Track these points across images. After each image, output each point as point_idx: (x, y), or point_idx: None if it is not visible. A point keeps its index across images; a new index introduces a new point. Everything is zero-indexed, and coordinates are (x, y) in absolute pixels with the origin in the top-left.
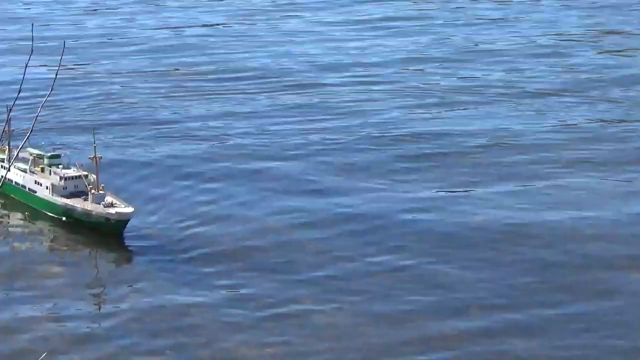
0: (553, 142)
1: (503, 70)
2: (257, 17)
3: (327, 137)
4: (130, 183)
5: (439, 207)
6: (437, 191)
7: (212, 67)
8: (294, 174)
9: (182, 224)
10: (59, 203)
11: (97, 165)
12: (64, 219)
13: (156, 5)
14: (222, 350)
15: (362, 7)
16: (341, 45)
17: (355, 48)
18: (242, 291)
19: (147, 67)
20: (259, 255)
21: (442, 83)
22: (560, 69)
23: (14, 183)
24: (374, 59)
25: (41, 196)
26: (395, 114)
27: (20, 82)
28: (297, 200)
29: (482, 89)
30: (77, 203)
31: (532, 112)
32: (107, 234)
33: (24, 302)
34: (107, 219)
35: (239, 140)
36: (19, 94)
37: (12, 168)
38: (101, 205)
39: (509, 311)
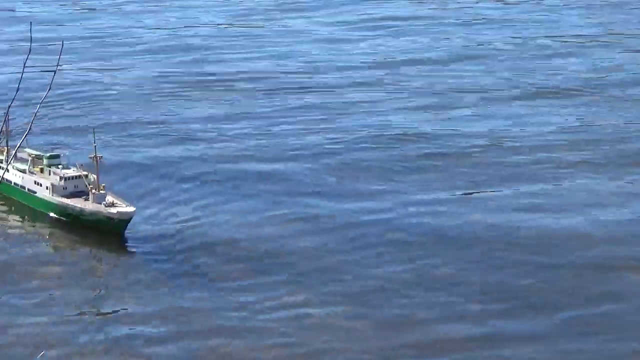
0: (554, 143)
1: (503, 70)
2: (256, 17)
3: (328, 137)
4: (129, 184)
5: (440, 209)
6: (439, 193)
7: (212, 68)
8: (295, 176)
9: (182, 225)
10: (59, 203)
11: (97, 165)
12: (62, 218)
13: (157, 5)
14: (224, 353)
15: (360, 6)
16: (341, 46)
17: (356, 48)
18: (243, 293)
19: (147, 67)
20: (258, 256)
21: (443, 83)
22: (562, 70)
23: (13, 184)
24: (374, 59)
25: (41, 196)
26: (395, 114)
27: (19, 81)
28: (299, 202)
29: (481, 89)
30: (78, 203)
31: (533, 113)
32: (109, 233)
33: (24, 302)
34: (109, 218)
35: (239, 142)
36: (16, 93)
37: (11, 169)
38: (102, 205)
39: (512, 314)
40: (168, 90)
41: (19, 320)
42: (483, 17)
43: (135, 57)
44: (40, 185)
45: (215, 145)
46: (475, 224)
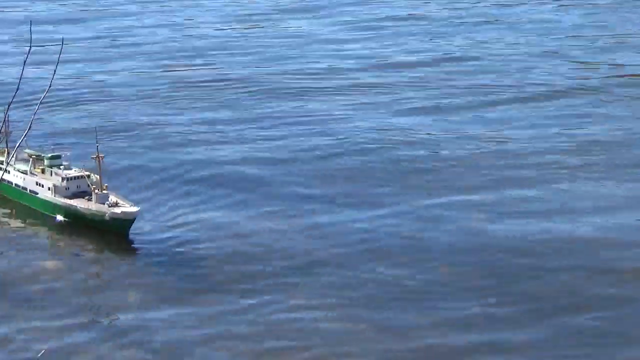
0: (555, 146)
1: (503, 72)
2: (257, 19)
3: (331, 141)
4: (131, 185)
5: (440, 213)
6: (439, 197)
7: (211, 72)
8: (298, 180)
9: (185, 227)
10: (62, 204)
11: (99, 165)
12: (63, 219)
13: (161, 5)
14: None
15: (359, 7)
16: (340, 47)
17: (354, 49)
18: (245, 296)
19: (147, 69)
20: (260, 259)
21: (441, 86)
22: (562, 71)
23: (14, 185)
24: (364, 63)
25: (43, 197)
26: (391, 118)
27: (18, 81)
28: (302, 206)
29: (480, 91)
30: (81, 203)
31: (533, 115)
32: (113, 233)
33: (24, 302)
34: (113, 219)
35: (242, 144)
36: (16, 92)
37: (11, 170)
38: (106, 205)
39: (513, 320)
40: (169, 92)
41: (20, 319)
42: (480, 17)
43: (136, 57)
44: (42, 186)
45: (217, 147)
46: (475, 228)
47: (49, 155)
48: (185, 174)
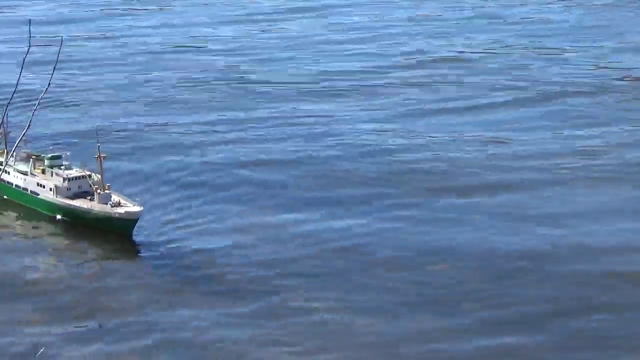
0: (555, 149)
1: (499, 74)
2: (256, 21)
3: (325, 146)
4: (132, 186)
5: (438, 216)
6: (436, 201)
7: (214, 73)
8: (300, 183)
9: (188, 229)
10: (64, 205)
11: (101, 165)
12: (62, 217)
13: (161, 9)
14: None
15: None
16: (331, 51)
17: (345, 53)
18: (246, 298)
19: (148, 68)
20: (261, 263)
21: (436, 89)
22: (560, 72)
23: (14, 186)
24: (349, 68)
25: (44, 198)
26: (369, 125)
27: (17, 79)
28: (304, 208)
29: (475, 93)
30: (84, 204)
31: (532, 118)
32: (116, 233)
33: (24, 301)
34: (116, 219)
35: (243, 147)
36: (14, 91)
37: (11, 170)
38: (109, 205)
39: (515, 325)
40: (169, 93)
41: (19, 318)
42: (483, 17)
43: (136, 58)
44: (43, 187)
45: (218, 148)
46: (476, 232)
47: (49, 155)
48: (186, 174)
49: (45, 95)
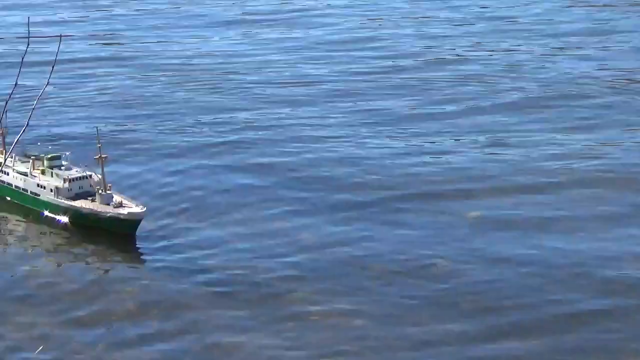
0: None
1: (496, 77)
2: (240, 26)
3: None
4: (133, 185)
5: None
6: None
7: (212, 74)
8: (297, 186)
9: (191, 228)
10: (66, 206)
11: (102, 165)
12: (67, 220)
13: (162, 6)
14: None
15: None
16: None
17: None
18: (250, 299)
19: (148, 69)
20: (265, 265)
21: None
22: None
23: (13, 187)
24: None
25: (45, 199)
26: (367, 128)
27: (16, 79)
28: (305, 212)
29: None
30: (86, 204)
31: (532, 121)
32: (119, 234)
33: (24, 301)
34: (119, 219)
35: (245, 149)
36: (13, 90)
37: (10, 171)
38: (111, 206)
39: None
40: (170, 93)
41: (19, 318)
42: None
43: (136, 58)
44: (44, 187)
45: (221, 149)
46: (472, 238)
47: (49, 155)
48: (186, 177)
49: (45, 96)
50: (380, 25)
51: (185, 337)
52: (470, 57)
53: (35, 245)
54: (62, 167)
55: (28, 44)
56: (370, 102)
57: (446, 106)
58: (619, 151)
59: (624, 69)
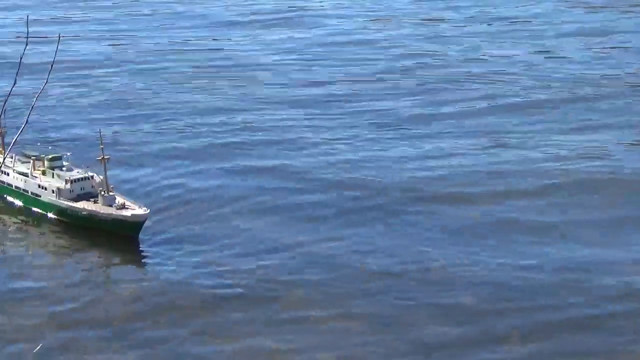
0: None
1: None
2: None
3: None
4: (134, 184)
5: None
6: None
7: (214, 77)
8: (307, 173)
9: (193, 229)
10: (68, 207)
11: (105, 167)
12: (64, 219)
13: (162, 7)
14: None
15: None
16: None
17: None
18: (251, 302)
19: (149, 69)
20: (268, 267)
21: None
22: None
23: (14, 187)
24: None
25: (46, 200)
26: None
27: (14, 78)
28: (307, 218)
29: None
30: (88, 206)
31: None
32: (122, 236)
33: (24, 301)
34: (122, 221)
35: (248, 151)
36: (12, 89)
37: (11, 172)
38: (114, 207)
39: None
40: (168, 90)
41: (19, 318)
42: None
43: (136, 54)
44: (45, 188)
45: (224, 150)
46: (467, 242)
47: (50, 156)
48: (189, 177)
49: (45, 97)
50: (384, 26)
51: (186, 339)
52: (471, 58)
53: (35, 247)
54: (64, 168)
55: (26, 44)
56: (371, 104)
57: (446, 108)
58: (622, 153)
59: (626, 71)
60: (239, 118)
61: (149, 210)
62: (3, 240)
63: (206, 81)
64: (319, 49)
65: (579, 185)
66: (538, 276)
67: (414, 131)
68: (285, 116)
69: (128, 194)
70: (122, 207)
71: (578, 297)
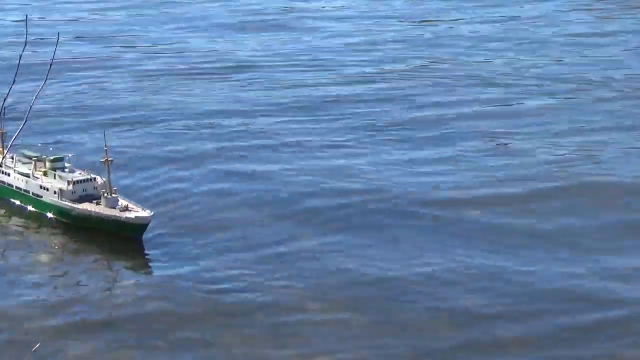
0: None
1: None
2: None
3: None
4: (137, 185)
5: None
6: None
7: (215, 79)
8: (307, 178)
9: (195, 230)
10: (70, 208)
11: (108, 168)
12: (65, 220)
13: (162, 7)
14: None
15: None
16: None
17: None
18: (260, 296)
19: (146, 65)
20: (273, 262)
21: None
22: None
23: (14, 188)
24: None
25: (48, 201)
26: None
27: (13, 77)
28: (310, 224)
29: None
30: (92, 208)
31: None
32: (124, 238)
33: (26, 304)
34: (126, 223)
35: (249, 154)
36: (10, 89)
37: (12, 172)
38: (117, 209)
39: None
40: (168, 92)
41: (19, 317)
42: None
43: (136, 53)
44: (47, 189)
45: (226, 154)
46: (477, 247)
47: (51, 157)
48: (189, 182)
49: (44, 97)
50: (377, 30)
51: (186, 344)
52: (469, 62)
53: (36, 247)
54: (65, 169)
55: (25, 44)
56: (369, 108)
57: (445, 111)
58: (624, 158)
59: (629, 73)
60: (240, 121)
61: (152, 212)
62: (3, 240)
63: (206, 83)
64: (318, 51)
65: (579, 189)
66: (538, 281)
67: (411, 135)
68: (287, 119)
69: (127, 196)
70: (125, 209)
71: (578, 302)
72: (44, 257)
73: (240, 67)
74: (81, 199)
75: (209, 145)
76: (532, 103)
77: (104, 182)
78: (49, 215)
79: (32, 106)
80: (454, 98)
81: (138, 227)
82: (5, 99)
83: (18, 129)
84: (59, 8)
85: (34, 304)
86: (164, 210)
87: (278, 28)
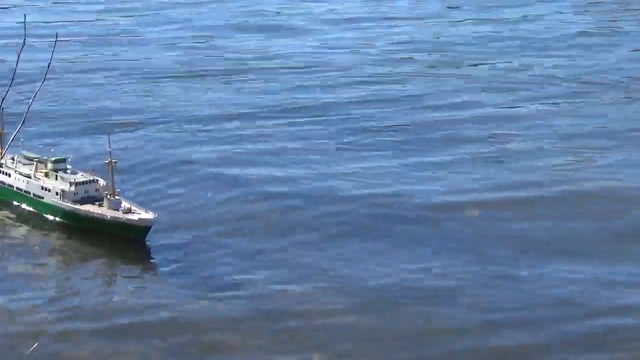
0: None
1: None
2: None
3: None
4: (139, 188)
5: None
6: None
7: (216, 78)
8: (309, 184)
9: (197, 232)
10: (72, 210)
11: (112, 170)
12: (66, 221)
13: (163, 8)
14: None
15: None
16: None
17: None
18: (256, 303)
19: (147, 65)
20: (276, 263)
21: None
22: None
23: (15, 188)
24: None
25: (49, 202)
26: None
27: (12, 77)
28: (312, 229)
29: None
30: (94, 209)
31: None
32: (127, 240)
33: (24, 300)
34: (129, 226)
35: (252, 157)
36: (9, 89)
37: (13, 173)
38: (120, 212)
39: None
40: (168, 94)
41: (18, 316)
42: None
43: (136, 53)
44: (49, 190)
45: (227, 154)
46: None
47: (53, 158)
48: (192, 180)
49: (46, 98)
50: (379, 32)
51: (187, 349)
52: (471, 64)
53: (36, 248)
54: (67, 171)
55: (24, 44)
56: (366, 112)
57: (446, 114)
58: (626, 162)
59: (633, 75)
60: (241, 124)
61: (156, 214)
62: (3, 241)
63: (207, 85)
64: (316, 53)
65: (578, 196)
66: (539, 288)
67: (411, 139)
68: (288, 121)
69: (128, 199)
70: (129, 211)
71: (579, 310)
72: (44, 259)
73: (241, 68)
74: (83, 201)
75: (211, 149)
76: (533, 106)
77: (108, 184)
78: (50, 217)
79: (30, 107)
80: (454, 101)
81: (141, 229)
82: (3, 99)
83: (20, 131)
84: (59, 9)
85: (34, 304)
86: (165, 213)
87: (278, 28)
